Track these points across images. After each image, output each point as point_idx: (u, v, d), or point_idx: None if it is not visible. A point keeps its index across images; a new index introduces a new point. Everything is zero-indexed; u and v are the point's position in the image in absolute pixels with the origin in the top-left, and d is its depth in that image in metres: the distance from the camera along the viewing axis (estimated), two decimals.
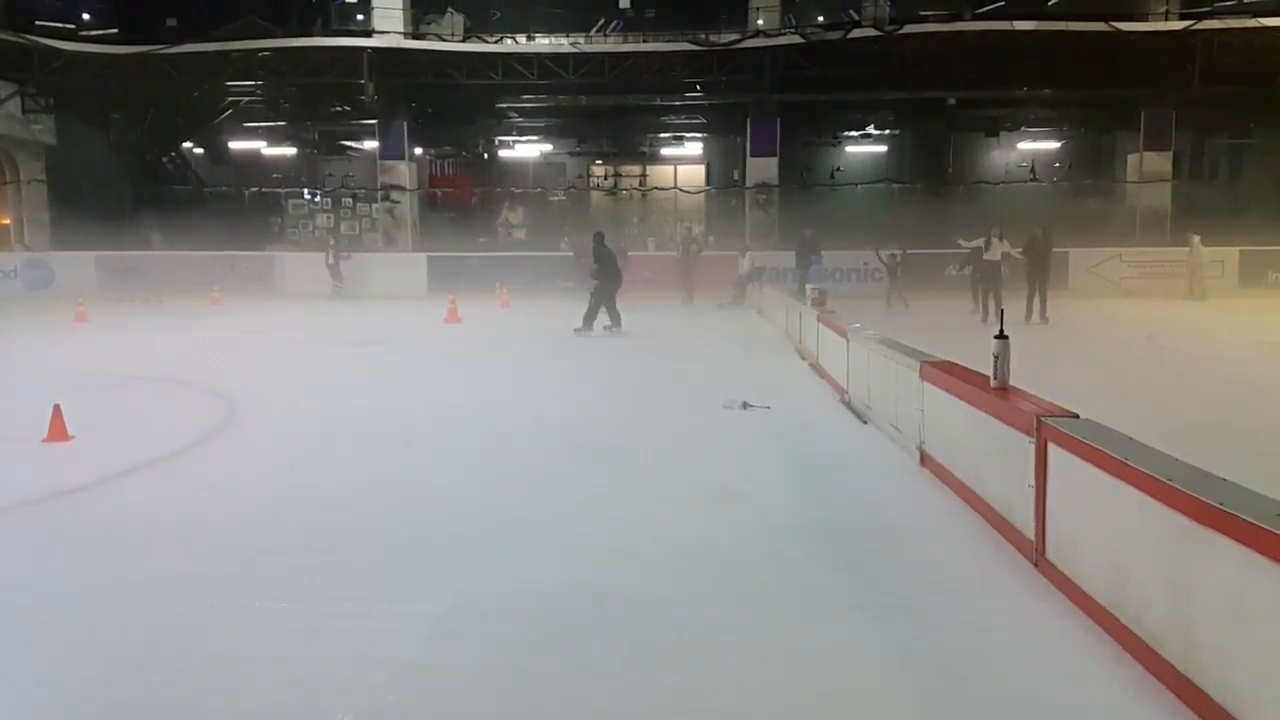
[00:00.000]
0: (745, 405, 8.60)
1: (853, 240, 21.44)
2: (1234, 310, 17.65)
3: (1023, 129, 27.32)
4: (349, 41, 23.26)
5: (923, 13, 22.81)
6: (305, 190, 27.17)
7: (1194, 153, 26.86)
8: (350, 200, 25.99)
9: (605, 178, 30.67)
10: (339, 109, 26.24)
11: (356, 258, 22.90)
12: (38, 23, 23.76)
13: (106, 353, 13.23)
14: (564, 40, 23.62)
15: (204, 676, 3.58)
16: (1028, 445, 4.51)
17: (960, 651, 3.72)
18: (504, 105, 25.61)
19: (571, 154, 30.18)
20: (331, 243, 23.48)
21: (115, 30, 25.25)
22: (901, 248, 18.94)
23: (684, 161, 30.24)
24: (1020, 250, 16.04)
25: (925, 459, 6.39)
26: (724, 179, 28.92)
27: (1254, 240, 21.50)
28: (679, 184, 28.96)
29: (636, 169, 30.60)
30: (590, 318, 14.48)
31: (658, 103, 25.10)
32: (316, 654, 3.75)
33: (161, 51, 22.72)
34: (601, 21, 24.41)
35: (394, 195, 24.75)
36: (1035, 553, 4.47)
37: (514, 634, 3.92)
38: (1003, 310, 6.42)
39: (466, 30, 23.82)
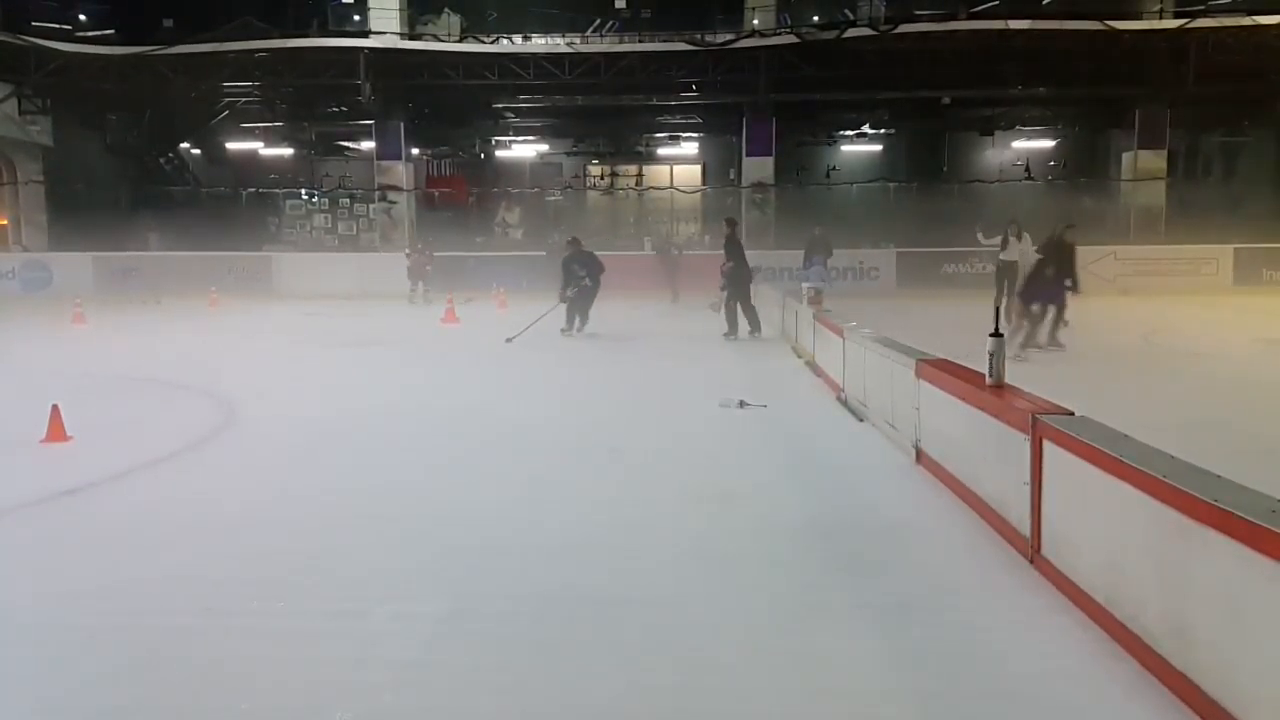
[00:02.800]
0: (742, 404, 8.62)
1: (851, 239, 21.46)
2: (1229, 308, 17.68)
3: (1017, 128, 27.38)
4: (345, 42, 23.24)
5: (917, 12, 22.83)
6: (302, 191, 27.14)
7: (1188, 151, 26.90)
8: (347, 201, 25.98)
9: (602, 177, 30.70)
10: (336, 109, 26.24)
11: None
12: (34, 24, 23.72)
13: (105, 354, 13.22)
14: (560, 40, 23.63)
15: (203, 677, 3.59)
16: (1023, 443, 4.53)
17: (957, 649, 3.74)
18: (500, 105, 25.62)
19: (568, 154, 30.22)
20: (417, 246, 21.97)
21: (112, 31, 25.20)
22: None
23: (680, 161, 30.28)
24: (1038, 249, 14.53)
25: (921, 457, 6.41)
26: (720, 178, 28.97)
27: (1249, 238, 21.54)
28: (675, 183, 28.98)
29: (633, 169, 30.64)
30: (734, 321, 13.99)
31: (654, 103, 25.10)
32: (315, 655, 3.76)
33: (158, 52, 22.69)
34: (598, 22, 24.43)
35: (391, 196, 24.74)
36: (1031, 550, 4.49)
37: (512, 635, 3.93)
38: (998, 309, 6.43)
39: (463, 31, 23.82)
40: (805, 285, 13.30)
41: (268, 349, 13.86)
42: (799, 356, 11.87)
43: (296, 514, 5.68)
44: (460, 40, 23.46)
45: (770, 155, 24.27)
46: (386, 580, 4.57)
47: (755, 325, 13.95)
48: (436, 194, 28.73)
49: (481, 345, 13.98)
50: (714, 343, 13.68)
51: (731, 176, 27.05)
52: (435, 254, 21.30)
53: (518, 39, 24.09)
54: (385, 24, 23.07)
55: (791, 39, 22.83)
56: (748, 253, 19.73)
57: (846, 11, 24.16)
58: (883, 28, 22.12)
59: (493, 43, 23.54)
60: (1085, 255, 19.60)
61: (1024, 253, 15.09)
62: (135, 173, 26.89)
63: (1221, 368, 10.90)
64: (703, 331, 14.83)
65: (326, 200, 26.30)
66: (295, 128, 28.18)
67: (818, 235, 18.57)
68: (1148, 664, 3.41)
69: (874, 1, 23.66)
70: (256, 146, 28.62)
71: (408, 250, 21.64)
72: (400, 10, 23.27)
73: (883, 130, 28.39)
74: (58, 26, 24.69)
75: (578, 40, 23.74)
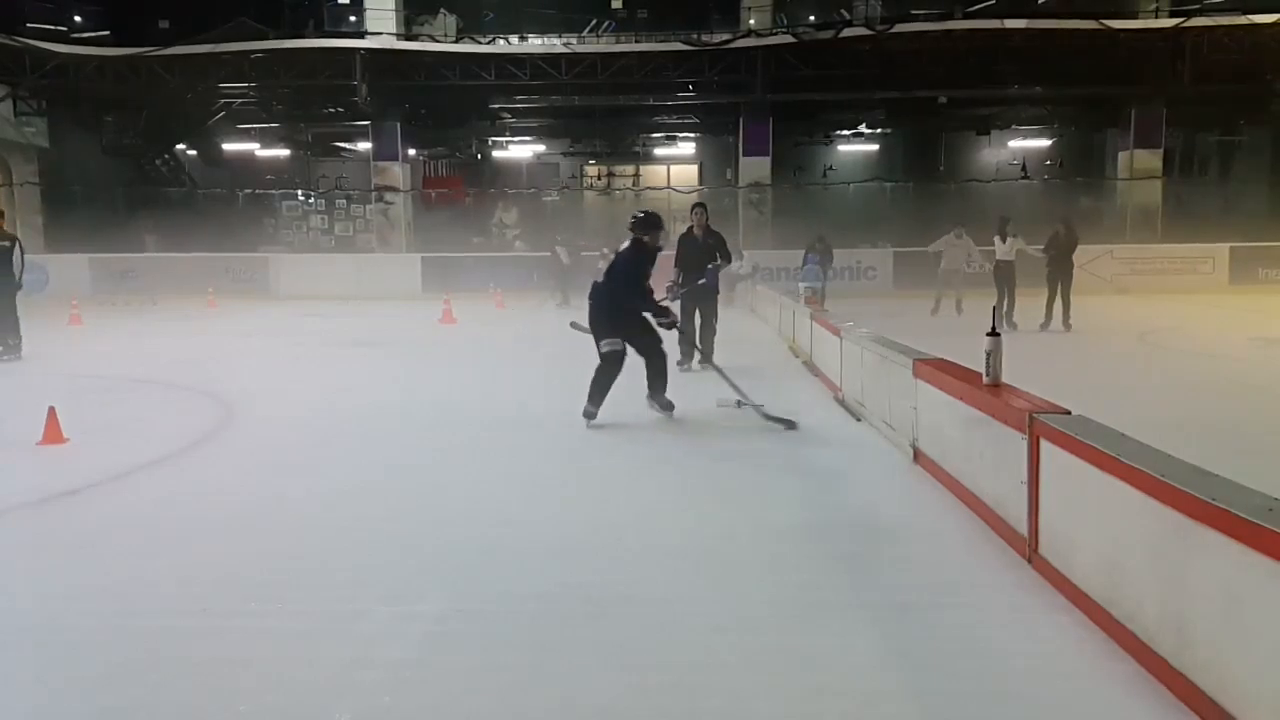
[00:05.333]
0: (739, 404, 8.62)
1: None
2: (1225, 307, 17.72)
3: (1014, 127, 27.44)
4: (341, 43, 23.25)
5: (913, 11, 22.89)
6: (299, 192, 27.16)
7: (1184, 150, 26.96)
8: (344, 202, 26.00)
9: (599, 178, 30.73)
10: (332, 110, 26.23)
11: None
12: (29, 25, 23.71)
13: (102, 355, 13.22)
14: (557, 41, 23.64)
15: (201, 678, 3.58)
16: (1020, 442, 4.53)
17: (954, 648, 3.74)
18: (497, 106, 25.63)
19: (565, 154, 30.23)
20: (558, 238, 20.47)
21: (107, 32, 25.21)
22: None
23: (677, 161, 30.30)
24: (1041, 248, 14.66)
25: (918, 456, 6.41)
26: (717, 178, 28.98)
27: (1244, 237, 21.60)
28: (672, 183, 28.99)
29: (630, 169, 30.67)
30: (689, 345, 10.46)
31: (650, 103, 25.15)
32: (313, 655, 3.75)
33: (154, 54, 22.68)
34: (594, 22, 24.45)
35: (388, 196, 24.74)
36: (1029, 549, 4.50)
37: (510, 635, 3.93)
38: (995, 308, 6.44)
39: (459, 31, 23.83)
40: (802, 285, 13.33)
41: (265, 350, 13.84)
42: (796, 356, 11.88)
43: (295, 514, 5.67)
44: (456, 41, 23.47)
45: (767, 155, 24.30)
46: (385, 580, 4.56)
47: (708, 351, 10.43)
48: (433, 194, 28.73)
49: (480, 345, 13.99)
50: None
51: (728, 176, 27.07)
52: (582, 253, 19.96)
53: (514, 39, 24.12)
54: (381, 25, 23.08)
55: (788, 39, 22.88)
56: (750, 252, 19.25)
57: (842, 11, 24.18)
58: (879, 27, 22.16)
59: (489, 43, 23.56)
60: (1082, 254, 19.67)
61: (1020, 250, 14.97)
62: (131, 174, 26.87)
63: (1218, 366, 10.92)
64: None
65: (323, 201, 26.32)
66: (292, 129, 28.18)
67: (819, 248, 18.09)
68: (1146, 663, 3.41)
69: (870, 1, 23.68)
70: (253, 147, 28.62)
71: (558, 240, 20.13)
72: (396, 11, 23.28)
73: (879, 130, 28.44)
74: (53, 28, 24.68)
75: (574, 40, 23.75)
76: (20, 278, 12.46)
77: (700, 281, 10.42)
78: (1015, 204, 21.88)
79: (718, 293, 11.00)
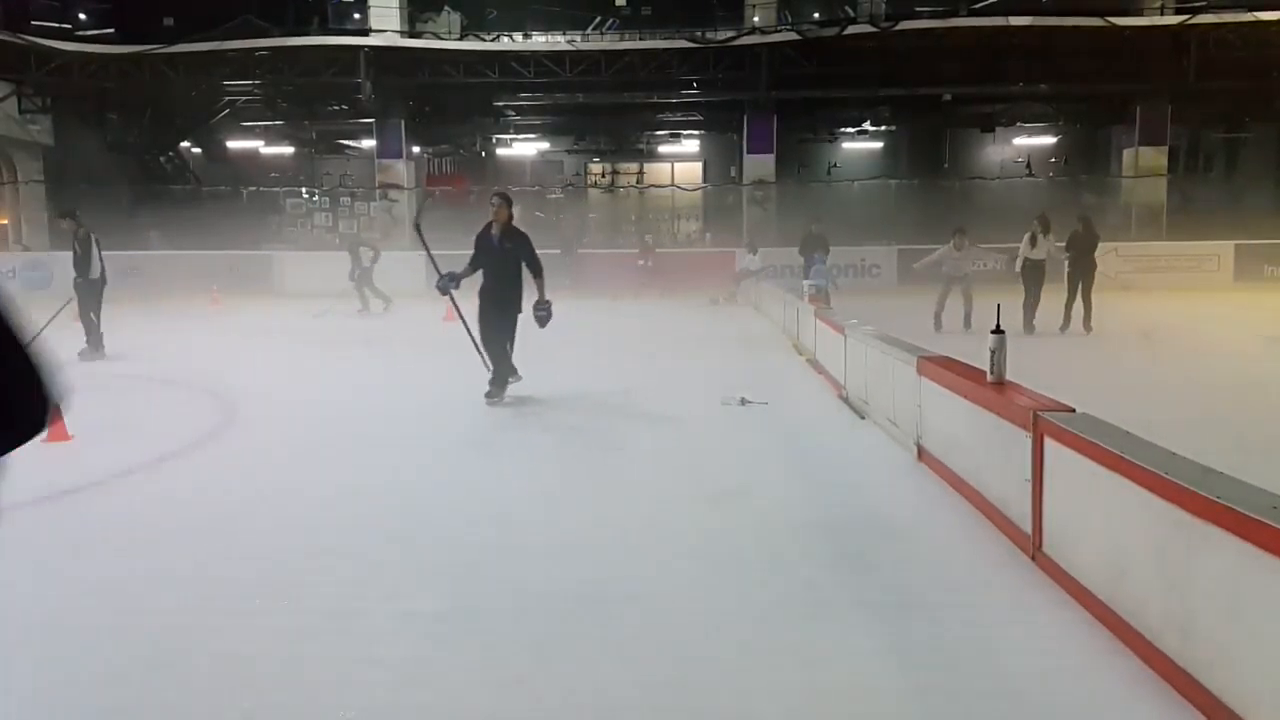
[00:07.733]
0: (743, 401, 8.62)
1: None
2: (1231, 304, 17.67)
3: (1019, 124, 27.41)
4: (346, 40, 23.28)
5: (918, 9, 22.87)
6: (303, 189, 27.19)
7: (1190, 147, 26.92)
8: (348, 199, 26.01)
9: (603, 175, 30.74)
10: (336, 108, 26.27)
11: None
12: (34, 23, 23.77)
13: (106, 353, 13.19)
14: (561, 38, 23.66)
15: (204, 676, 3.59)
16: (1024, 439, 4.52)
17: (958, 646, 3.73)
18: (501, 103, 25.64)
19: (569, 152, 30.24)
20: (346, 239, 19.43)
21: (112, 30, 25.27)
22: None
23: (681, 159, 30.30)
24: (1063, 247, 14.04)
25: (922, 454, 6.40)
26: (721, 176, 28.98)
27: (1250, 234, 21.54)
28: (676, 181, 28.99)
29: (634, 166, 30.69)
30: (500, 364, 9.14)
31: (654, 100, 25.13)
32: (316, 653, 3.75)
33: (158, 51, 22.73)
34: (598, 19, 24.46)
35: (391, 194, 24.76)
36: (1033, 547, 4.49)
37: (513, 633, 3.93)
38: (999, 305, 6.41)
39: (463, 29, 23.87)
40: (807, 284, 13.30)
41: (269, 348, 13.85)
42: (800, 354, 11.86)
43: (297, 512, 5.67)
44: (461, 38, 23.50)
45: (771, 153, 24.29)
46: (387, 578, 4.57)
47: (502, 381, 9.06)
48: (437, 192, 28.71)
49: None
50: (714, 340, 13.67)
51: (732, 174, 27.08)
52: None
53: (518, 37, 24.14)
54: (385, 22, 23.11)
55: (792, 36, 22.87)
56: (763, 250, 19.10)
57: (847, 8, 24.18)
58: (883, 24, 22.16)
59: (493, 40, 23.57)
60: None
61: (1050, 252, 14.06)
62: (136, 172, 26.89)
63: (1222, 364, 10.88)
64: (704, 329, 14.82)
65: (327, 199, 26.33)
66: (296, 126, 28.21)
67: (814, 232, 18.47)
68: (1150, 660, 3.40)
69: None
70: (257, 145, 28.66)
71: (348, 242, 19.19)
72: (400, 8, 23.32)
73: (884, 127, 28.42)
74: (58, 25, 24.75)
75: (578, 38, 23.77)
76: (102, 273, 12.34)
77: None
78: (1020, 202, 21.85)
79: (519, 312, 9.07)
